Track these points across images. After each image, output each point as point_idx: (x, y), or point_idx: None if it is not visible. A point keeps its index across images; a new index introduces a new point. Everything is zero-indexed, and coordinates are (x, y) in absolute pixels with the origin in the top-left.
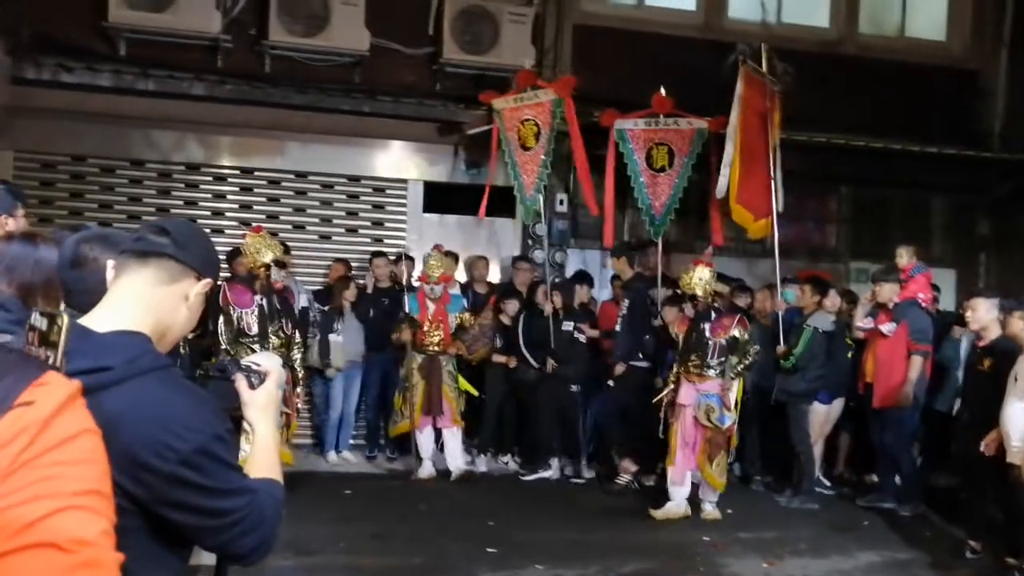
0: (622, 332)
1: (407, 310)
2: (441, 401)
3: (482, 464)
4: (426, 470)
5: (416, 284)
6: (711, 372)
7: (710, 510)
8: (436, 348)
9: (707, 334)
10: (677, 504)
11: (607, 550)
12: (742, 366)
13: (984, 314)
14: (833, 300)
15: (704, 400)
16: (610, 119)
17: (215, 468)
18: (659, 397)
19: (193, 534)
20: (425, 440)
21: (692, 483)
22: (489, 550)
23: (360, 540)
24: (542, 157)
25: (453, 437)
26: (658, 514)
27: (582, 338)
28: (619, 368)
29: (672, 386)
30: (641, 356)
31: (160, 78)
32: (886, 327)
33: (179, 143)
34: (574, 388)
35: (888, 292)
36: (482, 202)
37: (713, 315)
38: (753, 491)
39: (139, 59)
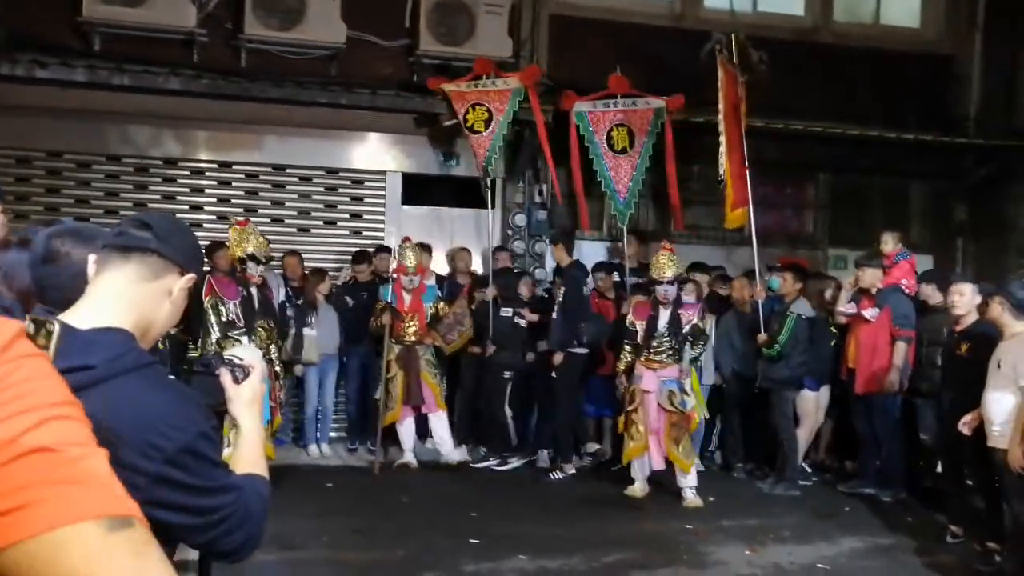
0: (558, 320)
1: (384, 299)
2: (421, 390)
3: (461, 455)
4: (406, 460)
5: (392, 276)
6: (670, 358)
7: (691, 497)
8: (412, 338)
9: (663, 321)
10: (642, 479)
11: (590, 541)
12: (698, 353)
13: (969, 299)
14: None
15: (666, 386)
16: (569, 102)
17: (200, 466)
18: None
19: (180, 532)
20: (406, 432)
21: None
22: (472, 541)
23: (343, 534)
24: (491, 140)
25: (440, 422)
26: (629, 490)
27: (523, 323)
28: (557, 357)
29: (623, 376)
30: (577, 343)
31: (135, 73)
32: (869, 312)
33: (156, 138)
34: (507, 375)
35: (871, 277)
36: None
37: (679, 302)
38: (735, 478)
39: (114, 54)
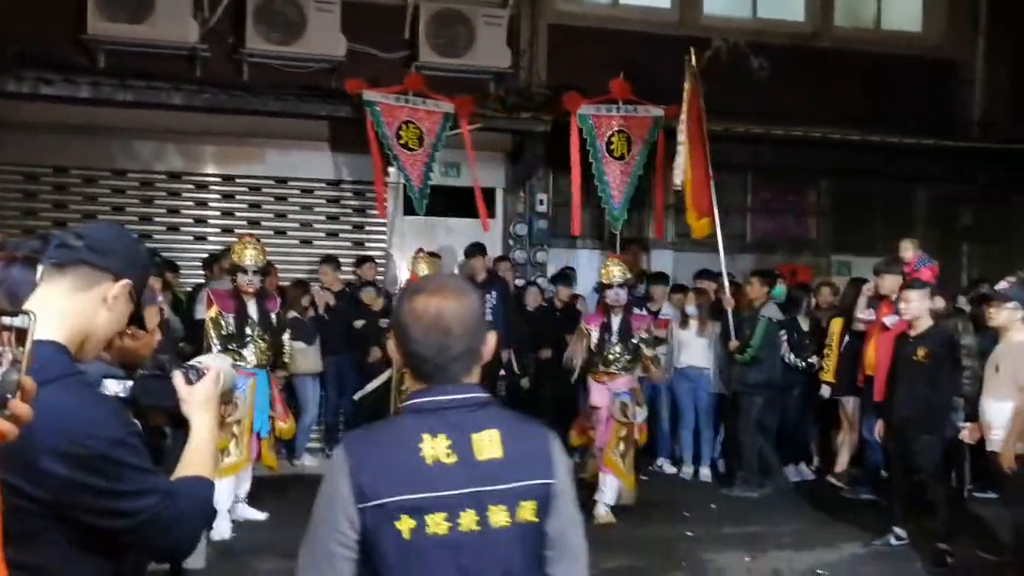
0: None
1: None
2: None
3: None
4: None
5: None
6: (622, 369)
7: (604, 513)
8: None
9: (615, 328)
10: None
11: (591, 546)
12: (653, 354)
13: (918, 305)
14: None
15: (618, 398)
16: (574, 103)
17: (117, 471)
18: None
19: (112, 536)
20: None
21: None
22: None
23: None
24: (427, 160)
25: None
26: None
27: None
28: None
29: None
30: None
31: (139, 88)
32: (889, 319)
33: (160, 152)
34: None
35: (891, 284)
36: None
37: (630, 308)
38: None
39: (118, 70)
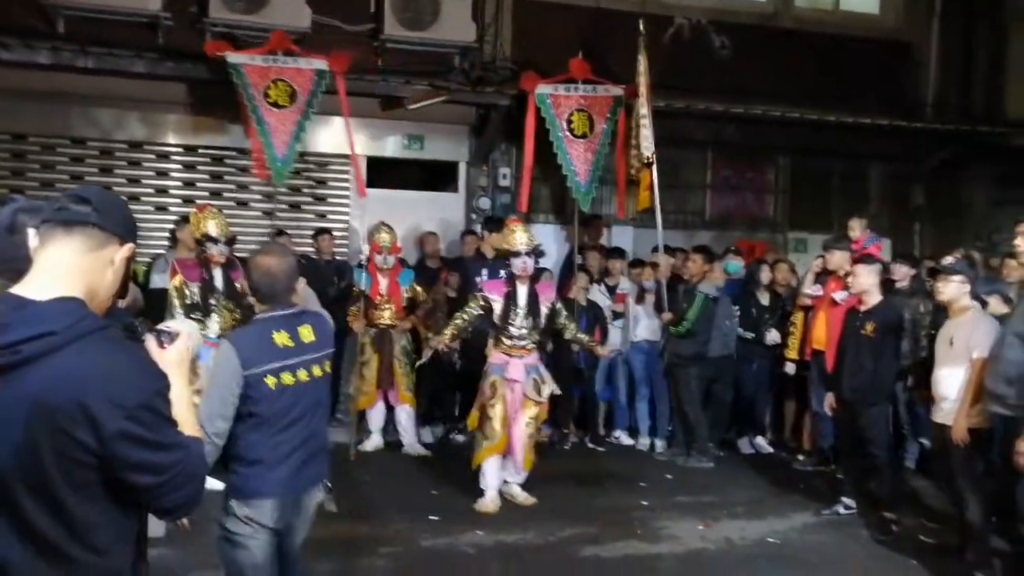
0: None
1: (359, 286)
2: (392, 375)
3: (428, 435)
4: (373, 443)
5: (363, 260)
6: (533, 343)
7: (523, 494)
8: (388, 322)
9: (522, 300)
10: (495, 488)
11: (546, 516)
12: (572, 332)
13: (865, 280)
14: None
15: (530, 374)
16: (531, 83)
17: (157, 422)
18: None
19: (137, 492)
20: (375, 414)
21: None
22: (432, 518)
23: None
24: (297, 119)
25: (404, 413)
26: (487, 506)
27: None
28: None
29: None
30: None
31: (99, 55)
32: (839, 295)
33: (121, 121)
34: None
35: (839, 260)
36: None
37: (536, 278)
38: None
39: (78, 36)
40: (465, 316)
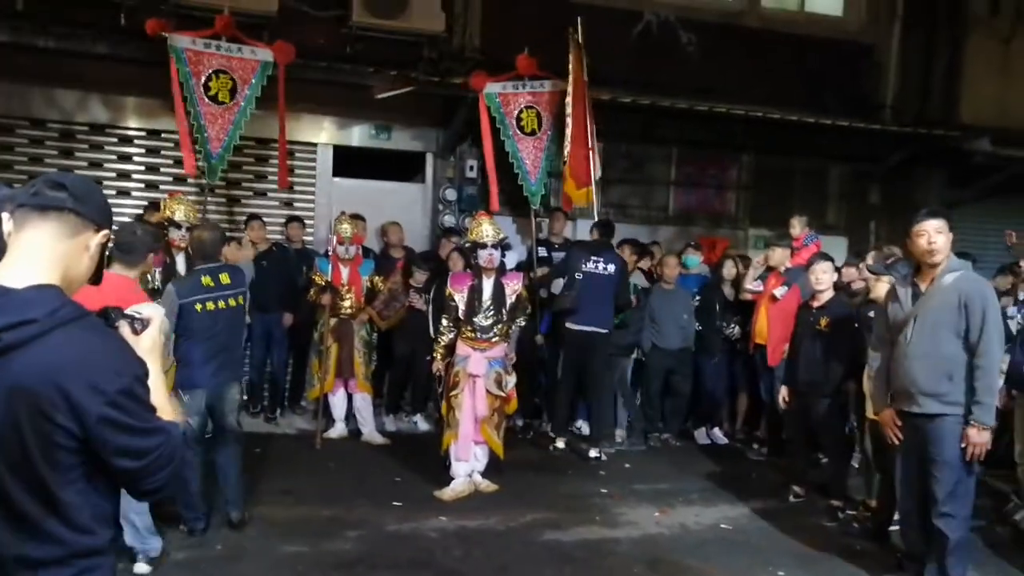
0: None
1: (320, 274)
2: (352, 364)
3: (391, 424)
4: (337, 431)
5: (329, 249)
6: (497, 336)
7: (484, 482)
8: (349, 311)
9: (488, 293)
10: (463, 480)
11: (508, 503)
12: (520, 323)
13: (827, 278)
14: (728, 269)
15: (492, 367)
16: (480, 83)
17: (137, 408)
18: (437, 368)
19: (116, 475)
20: (338, 402)
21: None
22: (396, 504)
23: (272, 495)
24: (235, 117)
25: (363, 402)
26: (446, 494)
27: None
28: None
29: (440, 356)
30: None
31: (60, 35)
32: (779, 290)
33: (82, 103)
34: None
35: (780, 256)
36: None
37: (503, 270)
38: (652, 447)
39: (38, 14)
40: (445, 333)
